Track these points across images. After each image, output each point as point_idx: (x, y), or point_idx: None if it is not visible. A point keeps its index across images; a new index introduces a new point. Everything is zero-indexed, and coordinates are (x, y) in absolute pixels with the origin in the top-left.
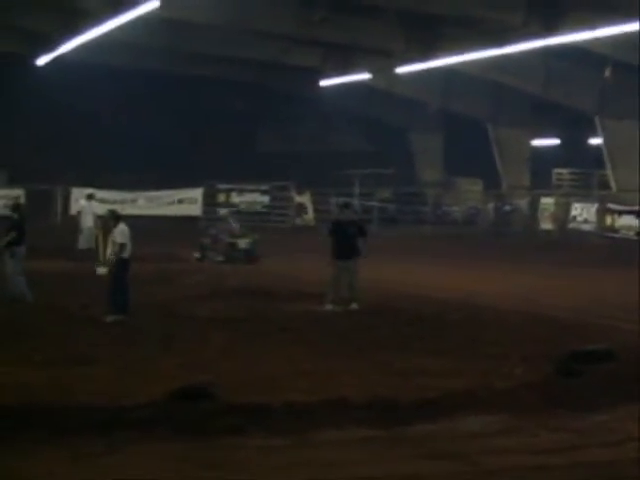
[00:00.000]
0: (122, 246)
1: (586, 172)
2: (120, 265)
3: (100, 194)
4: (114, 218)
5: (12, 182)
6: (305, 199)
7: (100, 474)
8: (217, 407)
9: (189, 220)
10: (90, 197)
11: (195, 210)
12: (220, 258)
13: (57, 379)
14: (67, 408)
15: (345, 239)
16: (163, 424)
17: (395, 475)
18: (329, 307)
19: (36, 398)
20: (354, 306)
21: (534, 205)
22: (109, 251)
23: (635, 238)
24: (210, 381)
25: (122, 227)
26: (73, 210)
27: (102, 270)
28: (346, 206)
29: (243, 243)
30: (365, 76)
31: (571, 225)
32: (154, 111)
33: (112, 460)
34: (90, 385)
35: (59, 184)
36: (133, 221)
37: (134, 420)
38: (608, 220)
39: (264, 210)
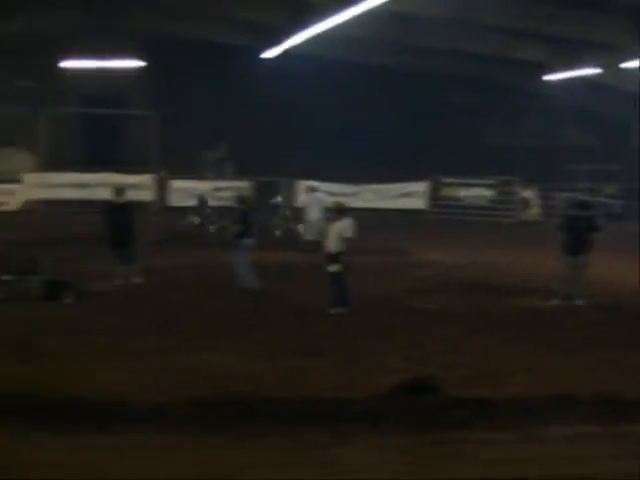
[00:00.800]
0: (347, 240)
1: None
2: (342, 259)
3: (326, 186)
4: (337, 211)
5: (239, 174)
6: (530, 194)
7: (327, 465)
8: (442, 401)
9: (414, 214)
10: (313, 189)
11: (420, 204)
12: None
13: (284, 371)
14: (294, 399)
15: (576, 235)
16: (389, 417)
17: (621, 473)
18: (555, 302)
19: (264, 389)
20: (580, 302)
21: None
22: (333, 244)
23: None
24: (435, 374)
25: (347, 220)
26: (299, 202)
27: (334, 267)
28: (582, 206)
29: (301, 228)
30: (592, 71)
31: None
32: (380, 104)
33: (339, 452)
34: (316, 377)
35: (285, 176)
36: (358, 214)
37: (360, 412)
38: None
39: (489, 204)
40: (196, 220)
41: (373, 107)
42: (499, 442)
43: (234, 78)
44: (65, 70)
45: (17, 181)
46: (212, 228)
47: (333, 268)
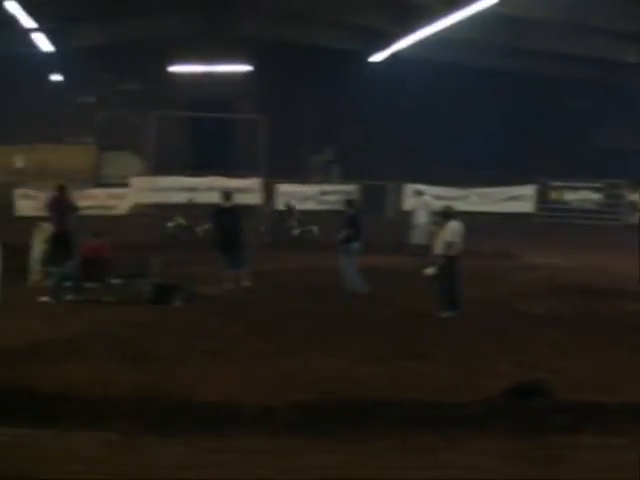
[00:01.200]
0: (450, 244)
1: None
2: (449, 262)
3: (433, 190)
4: (445, 215)
5: (345, 177)
6: (638, 197)
7: (437, 468)
8: (552, 405)
9: (520, 217)
10: (419, 193)
11: (527, 207)
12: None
13: (392, 374)
14: (404, 403)
15: None
16: (499, 421)
17: None
18: None
19: (373, 393)
20: None
21: None
22: (438, 248)
23: None
24: (544, 378)
25: (453, 224)
26: (406, 205)
27: (429, 270)
28: None
29: (315, 229)
30: None
31: None
32: (486, 108)
33: (450, 455)
34: (424, 380)
35: (392, 179)
36: (465, 217)
37: (469, 416)
38: None
39: (596, 208)
40: (182, 221)
41: (481, 110)
42: (609, 447)
43: (341, 82)
44: (174, 74)
45: (126, 185)
46: (199, 230)
47: (429, 271)
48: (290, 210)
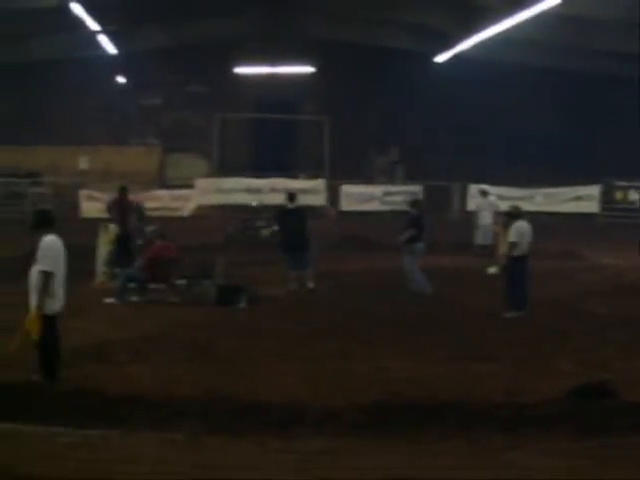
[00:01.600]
0: (512, 244)
1: None
2: (513, 262)
3: (498, 190)
4: (511, 215)
5: (410, 178)
6: None
7: (503, 469)
8: (618, 405)
9: (585, 217)
10: (484, 193)
11: (592, 207)
12: None
13: (457, 375)
14: (469, 403)
15: None
16: (564, 421)
17: None
18: None
19: (439, 393)
20: None
21: None
22: (502, 248)
23: None
24: (609, 379)
25: (518, 224)
26: (470, 206)
27: (492, 270)
28: None
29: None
30: None
31: None
32: (550, 107)
33: (516, 456)
34: (490, 381)
35: (456, 180)
36: (530, 217)
37: (535, 416)
38: None
39: None
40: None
41: (545, 110)
42: None
43: (405, 82)
44: (238, 76)
45: (191, 186)
46: (147, 230)
47: (491, 270)
48: (259, 211)
